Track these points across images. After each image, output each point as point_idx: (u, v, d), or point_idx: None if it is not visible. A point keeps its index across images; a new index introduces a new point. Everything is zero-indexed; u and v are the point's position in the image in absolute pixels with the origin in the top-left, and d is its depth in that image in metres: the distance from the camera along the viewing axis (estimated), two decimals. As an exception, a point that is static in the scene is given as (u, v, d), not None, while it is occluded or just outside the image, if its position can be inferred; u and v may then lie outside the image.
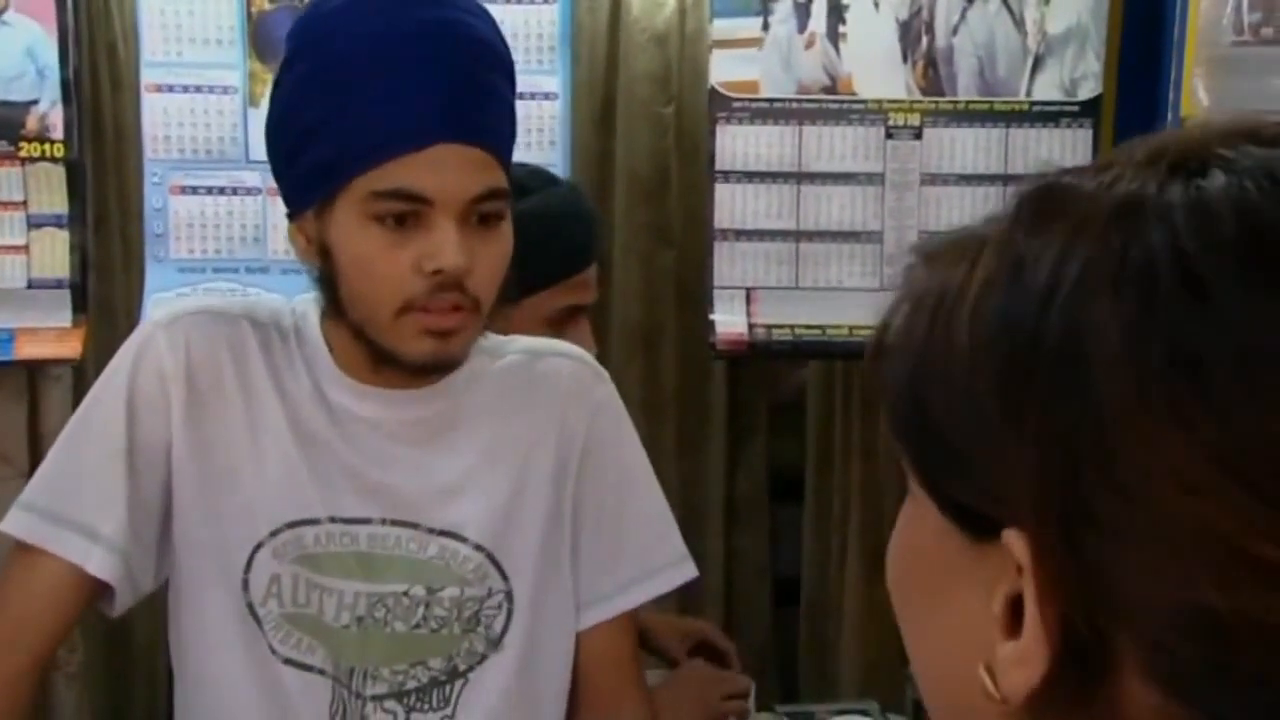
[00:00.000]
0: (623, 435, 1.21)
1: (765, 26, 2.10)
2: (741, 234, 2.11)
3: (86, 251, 2.00)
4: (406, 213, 1.02)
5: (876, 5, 2.10)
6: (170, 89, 2.01)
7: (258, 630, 1.12)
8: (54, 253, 1.96)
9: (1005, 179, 2.13)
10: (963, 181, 2.13)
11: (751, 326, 2.11)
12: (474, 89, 1.04)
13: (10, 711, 1.09)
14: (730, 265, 2.11)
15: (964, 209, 2.13)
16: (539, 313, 1.45)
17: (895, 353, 0.48)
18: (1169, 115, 2.15)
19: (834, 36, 2.10)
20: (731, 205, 2.10)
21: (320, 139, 1.04)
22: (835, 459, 2.99)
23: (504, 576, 1.14)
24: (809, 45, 2.11)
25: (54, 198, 1.96)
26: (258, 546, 1.11)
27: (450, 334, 1.06)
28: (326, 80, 1.04)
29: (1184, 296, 0.40)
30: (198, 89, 2.02)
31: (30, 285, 1.96)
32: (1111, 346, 0.40)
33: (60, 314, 1.96)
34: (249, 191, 2.04)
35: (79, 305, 1.98)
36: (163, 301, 2.02)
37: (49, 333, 1.96)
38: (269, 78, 2.03)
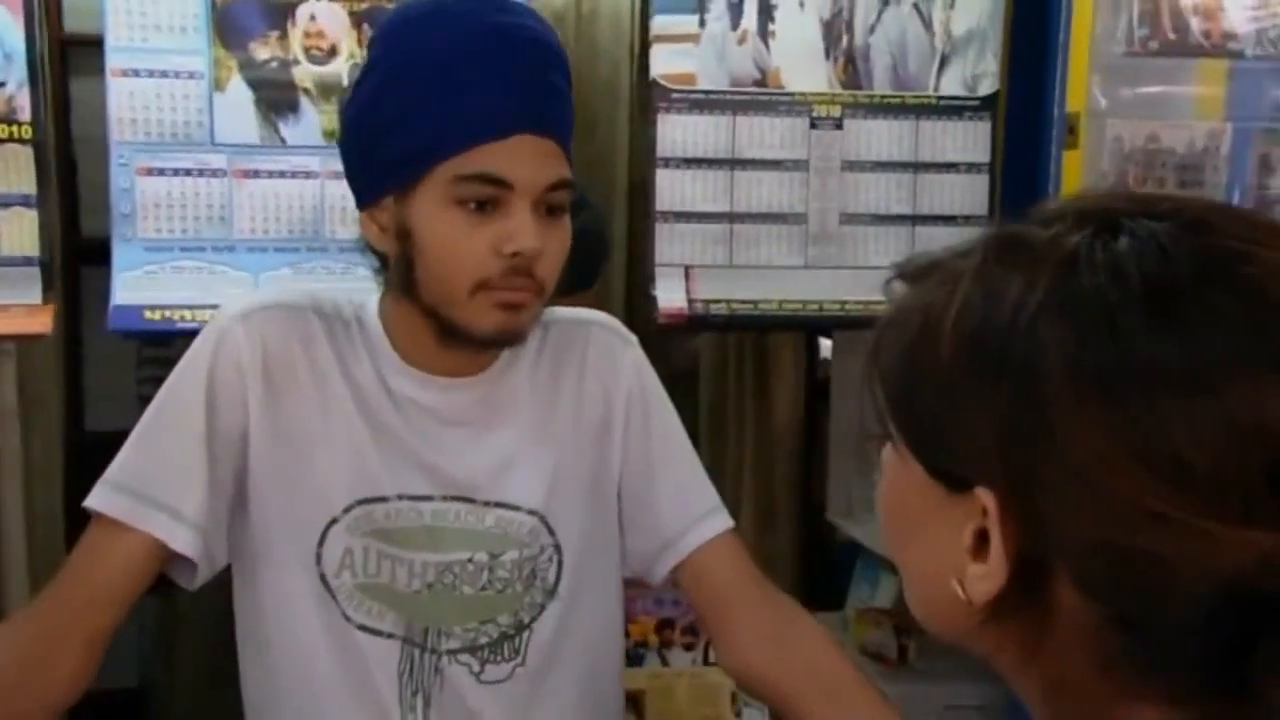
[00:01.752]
0: (660, 390, 1.33)
1: (702, 23, 2.26)
2: (681, 216, 2.28)
3: (53, 231, 2.04)
4: (488, 197, 1.13)
5: (802, 5, 2.29)
6: (136, 74, 2.06)
7: (331, 600, 1.21)
8: (23, 232, 2.00)
9: (915, 166, 2.35)
10: (878, 168, 2.34)
11: (691, 302, 2.28)
12: (547, 87, 1.16)
13: (91, 665, 1.17)
14: (670, 245, 2.27)
15: (879, 193, 2.34)
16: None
17: (889, 354, 0.67)
18: (1054, 111, 2.40)
19: (764, 34, 2.28)
20: (671, 190, 2.27)
21: (410, 127, 1.13)
22: (728, 425, 3.17)
23: (551, 532, 1.26)
24: (741, 41, 2.28)
25: (22, 178, 1.99)
26: (331, 523, 1.20)
27: (519, 308, 1.16)
28: (418, 75, 1.13)
29: (1105, 331, 0.57)
30: (163, 74, 2.07)
31: (1, 264, 1.99)
32: (1057, 362, 0.58)
33: (31, 291, 2.00)
34: (214, 173, 2.10)
35: (48, 283, 2.02)
36: (130, 279, 2.08)
37: (20, 309, 1.99)
38: (234, 64, 2.11)
